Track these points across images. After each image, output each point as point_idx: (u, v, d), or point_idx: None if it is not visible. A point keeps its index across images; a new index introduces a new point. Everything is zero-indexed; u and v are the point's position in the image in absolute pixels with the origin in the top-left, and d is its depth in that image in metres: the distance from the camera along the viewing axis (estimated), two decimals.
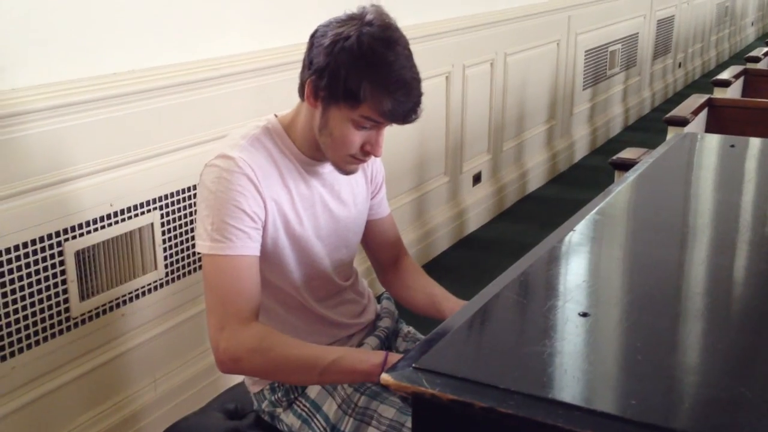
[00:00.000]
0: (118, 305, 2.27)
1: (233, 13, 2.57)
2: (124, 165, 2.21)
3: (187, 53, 2.40)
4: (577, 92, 5.41)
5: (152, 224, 2.33)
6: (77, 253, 2.12)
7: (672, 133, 2.96)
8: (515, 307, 1.33)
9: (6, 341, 2.00)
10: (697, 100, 3.33)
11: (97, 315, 2.22)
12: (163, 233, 2.37)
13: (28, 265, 2.01)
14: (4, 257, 1.96)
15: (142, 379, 2.38)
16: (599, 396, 1.07)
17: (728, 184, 2.10)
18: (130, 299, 2.31)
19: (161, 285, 2.40)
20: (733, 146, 2.35)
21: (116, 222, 2.22)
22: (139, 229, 2.30)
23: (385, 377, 1.08)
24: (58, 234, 2.07)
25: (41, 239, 2.03)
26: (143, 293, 2.35)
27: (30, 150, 1.98)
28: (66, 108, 2.03)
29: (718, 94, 3.76)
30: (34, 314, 2.05)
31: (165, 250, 2.39)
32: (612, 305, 1.34)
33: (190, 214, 2.45)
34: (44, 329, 2.08)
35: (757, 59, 4.70)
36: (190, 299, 2.51)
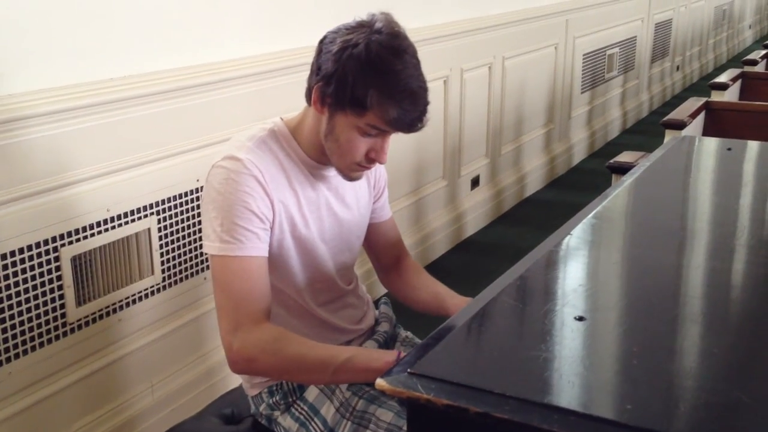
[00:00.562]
0: (114, 310, 2.27)
1: (232, 17, 2.57)
2: (120, 170, 2.21)
3: (185, 58, 2.39)
4: (575, 96, 5.41)
5: (149, 229, 2.32)
6: (74, 259, 2.12)
7: (669, 136, 2.96)
8: (511, 312, 1.32)
9: (2, 347, 1.99)
10: (694, 103, 3.32)
11: (94, 320, 2.21)
12: (160, 238, 2.37)
13: (24, 271, 2.01)
14: (0, 263, 1.95)
15: (139, 384, 2.37)
16: (595, 401, 1.07)
17: (725, 187, 2.10)
18: (127, 304, 2.30)
19: (158, 290, 2.40)
20: (730, 149, 2.35)
21: (113, 227, 2.21)
22: (136, 234, 2.29)
23: (380, 382, 1.08)
24: (54, 239, 2.06)
25: (37, 245, 2.03)
26: (140, 298, 2.34)
27: (26, 155, 1.98)
28: (63, 113, 2.03)
29: (716, 97, 3.76)
30: (30, 320, 2.05)
31: (162, 255, 2.38)
32: (609, 309, 1.34)
33: (188, 219, 2.44)
34: (41, 335, 2.08)
35: (754, 62, 4.71)
36: (186, 304, 2.50)
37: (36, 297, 2.05)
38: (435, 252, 3.89)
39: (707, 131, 3.41)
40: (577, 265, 1.55)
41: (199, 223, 2.48)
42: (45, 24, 2.01)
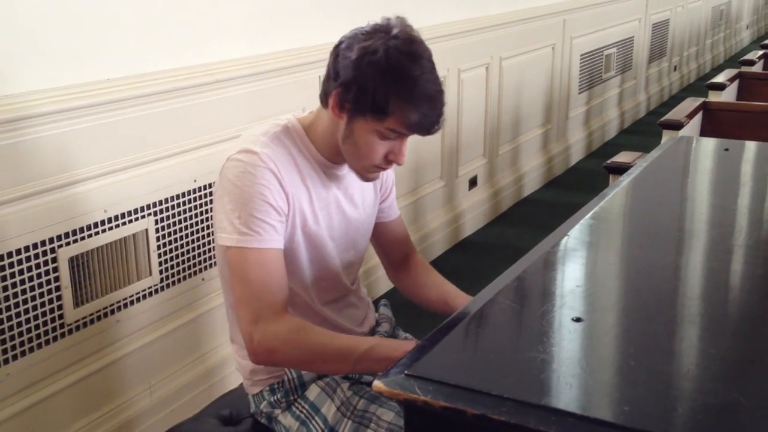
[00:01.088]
0: (112, 311, 2.27)
1: (228, 18, 2.57)
2: (117, 171, 2.21)
3: (182, 59, 2.39)
4: (573, 96, 5.41)
5: (146, 230, 2.32)
6: (71, 260, 2.12)
7: (667, 136, 2.96)
8: (509, 313, 1.32)
9: (0, 348, 1.99)
10: (691, 103, 3.33)
11: (92, 321, 2.21)
12: (158, 239, 2.36)
13: (21, 272, 2.01)
14: None
15: (138, 385, 2.37)
16: (593, 402, 1.07)
17: (723, 187, 2.10)
18: (125, 305, 2.30)
19: (156, 291, 2.39)
20: (727, 150, 2.35)
21: (110, 228, 2.21)
22: (134, 235, 2.29)
23: (378, 384, 1.08)
24: (51, 240, 2.06)
25: (35, 245, 2.02)
26: (138, 299, 2.34)
27: (23, 156, 1.97)
28: (60, 114, 2.03)
29: (713, 97, 3.76)
30: (28, 321, 2.04)
31: (159, 256, 2.38)
32: (606, 310, 1.34)
33: (185, 219, 2.44)
34: (38, 336, 2.08)
35: (751, 62, 4.71)
36: (185, 305, 2.50)
37: (34, 298, 2.05)
38: (433, 252, 3.89)
39: (704, 131, 3.41)
40: (574, 266, 1.55)
41: (197, 223, 2.48)
42: (42, 25, 2.01)
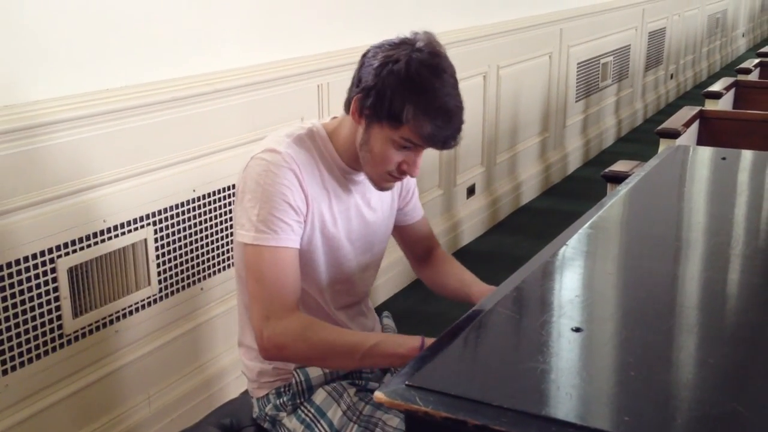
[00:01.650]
0: (111, 321, 2.27)
1: (226, 28, 2.57)
2: (116, 181, 2.21)
3: (180, 69, 2.40)
4: (570, 104, 5.43)
5: (145, 240, 2.32)
6: (70, 270, 2.12)
7: (664, 145, 2.97)
8: (508, 323, 1.33)
9: None
10: (688, 112, 3.34)
11: (91, 332, 2.21)
12: (157, 249, 2.37)
13: (20, 282, 2.01)
14: None
15: (137, 395, 2.37)
16: (593, 413, 1.07)
17: (720, 197, 2.11)
18: (124, 315, 2.30)
19: (155, 301, 2.40)
20: (724, 159, 2.36)
21: (109, 238, 2.21)
22: (133, 245, 2.29)
23: (379, 395, 1.08)
24: (50, 251, 2.06)
25: (34, 256, 2.02)
26: (137, 309, 2.34)
27: (22, 167, 1.98)
28: (58, 124, 2.03)
29: (710, 106, 3.77)
30: (27, 331, 2.04)
31: (158, 266, 2.38)
32: (605, 320, 1.35)
33: (184, 229, 2.45)
34: (37, 346, 2.08)
35: (748, 71, 4.72)
36: (183, 315, 2.50)
37: (33, 308, 2.05)
38: None
39: (701, 140, 3.42)
40: (573, 276, 1.56)
41: (196, 233, 2.49)
42: (42, 35, 2.01)
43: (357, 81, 1.60)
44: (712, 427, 1.01)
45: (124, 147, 2.22)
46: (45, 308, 2.08)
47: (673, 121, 3.18)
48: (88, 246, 2.16)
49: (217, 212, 2.56)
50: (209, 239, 2.54)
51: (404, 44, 1.57)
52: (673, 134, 3.04)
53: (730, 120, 3.44)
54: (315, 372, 1.67)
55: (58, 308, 2.11)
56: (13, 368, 2.03)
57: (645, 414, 1.02)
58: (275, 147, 1.59)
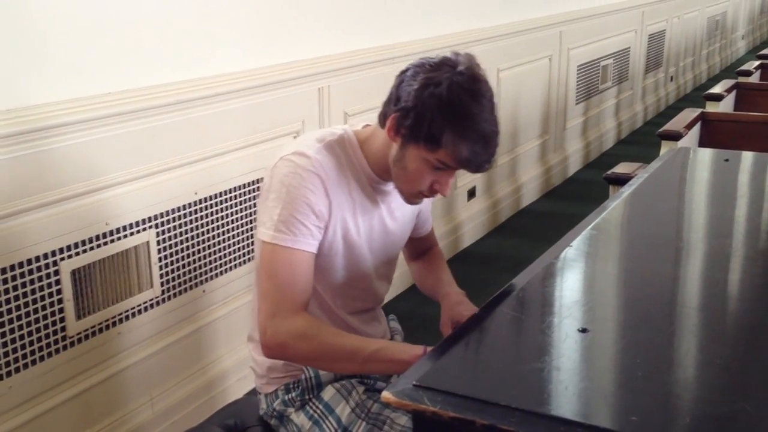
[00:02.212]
0: (114, 324, 2.27)
1: (227, 32, 2.58)
2: (119, 184, 2.21)
3: (181, 72, 2.40)
4: (570, 107, 5.43)
5: (148, 242, 2.32)
6: (73, 272, 2.12)
7: (666, 147, 2.98)
8: (514, 324, 1.33)
9: (2, 361, 1.99)
10: (689, 114, 3.34)
11: (94, 334, 2.21)
12: (159, 251, 2.37)
13: (24, 285, 2.01)
14: (0, 277, 1.95)
15: (139, 397, 2.37)
16: (599, 412, 1.08)
17: (722, 198, 2.11)
18: (127, 318, 2.30)
19: (157, 303, 2.40)
20: (727, 160, 2.36)
21: (112, 241, 2.21)
22: (135, 247, 2.30)
23: (386, 395, 1.08)
24: (54, 253, 2.06)
25: (37, 258, 2.03)
26: (139, 311, 2.34)
27: (25, 170, 1.98)
28: (60, 128, 2.03)
29: (711, 108, 3.77)
30: (30, 333, 2.04)
31: (161, 268, 2.38)
32: (610, 320, 1.35)
33: (186, 232, 2.45)
34: (41, 348, 2.08)
35: (748, 73, 4.73)
36: (186, 317, 2.51)
37: (36, 311, 2.05)
38: None
39: (703, 142, 3.43)
40: (577, 277, 1.56)
41: (198, 236, 2.49)
42: (43, 39, 2.01)
43: (395, 99, 1.59)
44: (719, 426, 1.02)
45: (126, 150, 2.22)
46: (48, 310, 2.08)
47: (675, 124, 3.18)
48: (92, 248, 2.16)
49: (219, 215, 2.56)
50: (211, 242, 2.55)
51: (445, 65, 1.56)
52: (675, 136, 3.04)
53: (732, 122, 3.45)
54: None
55: (61, 310, 2.11)
56: (17, 370, 2.03)
57: (652, 413, 1.02)
58: (305, 151, 1.59)
